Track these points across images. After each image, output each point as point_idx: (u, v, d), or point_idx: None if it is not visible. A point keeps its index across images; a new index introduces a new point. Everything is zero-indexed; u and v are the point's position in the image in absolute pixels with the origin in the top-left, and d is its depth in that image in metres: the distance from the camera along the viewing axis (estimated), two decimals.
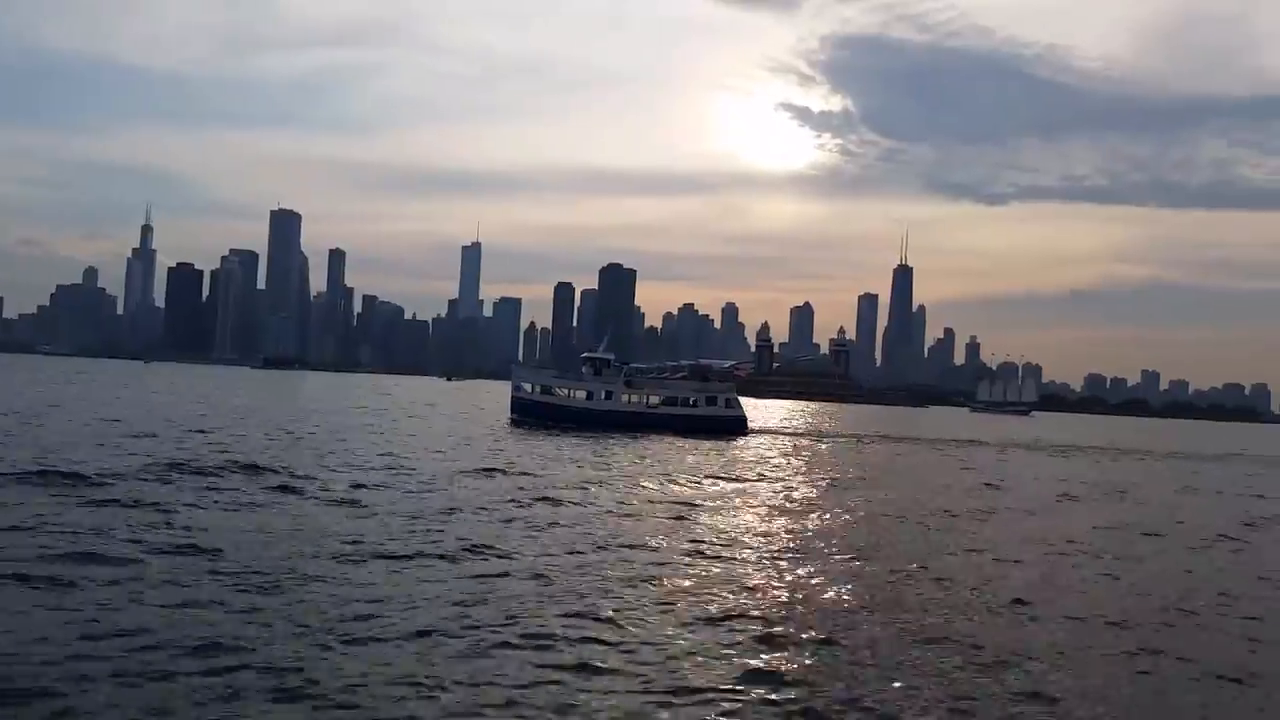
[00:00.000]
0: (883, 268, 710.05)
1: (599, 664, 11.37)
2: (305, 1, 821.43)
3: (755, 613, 14.45)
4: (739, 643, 12.72)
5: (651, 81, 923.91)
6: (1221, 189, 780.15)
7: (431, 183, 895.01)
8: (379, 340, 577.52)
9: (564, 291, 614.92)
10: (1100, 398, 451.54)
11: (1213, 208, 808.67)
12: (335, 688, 10.01)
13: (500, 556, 17.63)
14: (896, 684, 11.28)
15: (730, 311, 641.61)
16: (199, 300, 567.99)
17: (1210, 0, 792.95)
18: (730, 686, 10.89)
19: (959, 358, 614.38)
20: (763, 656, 12.18)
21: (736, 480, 36.38)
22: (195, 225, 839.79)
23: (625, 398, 70.96)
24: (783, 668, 11.76)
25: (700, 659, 11.84)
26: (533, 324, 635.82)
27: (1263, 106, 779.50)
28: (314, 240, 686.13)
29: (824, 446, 66.91)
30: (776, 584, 16.99)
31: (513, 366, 79.05)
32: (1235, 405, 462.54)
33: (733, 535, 22.40)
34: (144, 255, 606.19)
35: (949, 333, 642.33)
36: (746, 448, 57.38)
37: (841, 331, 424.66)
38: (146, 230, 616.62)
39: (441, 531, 19.98)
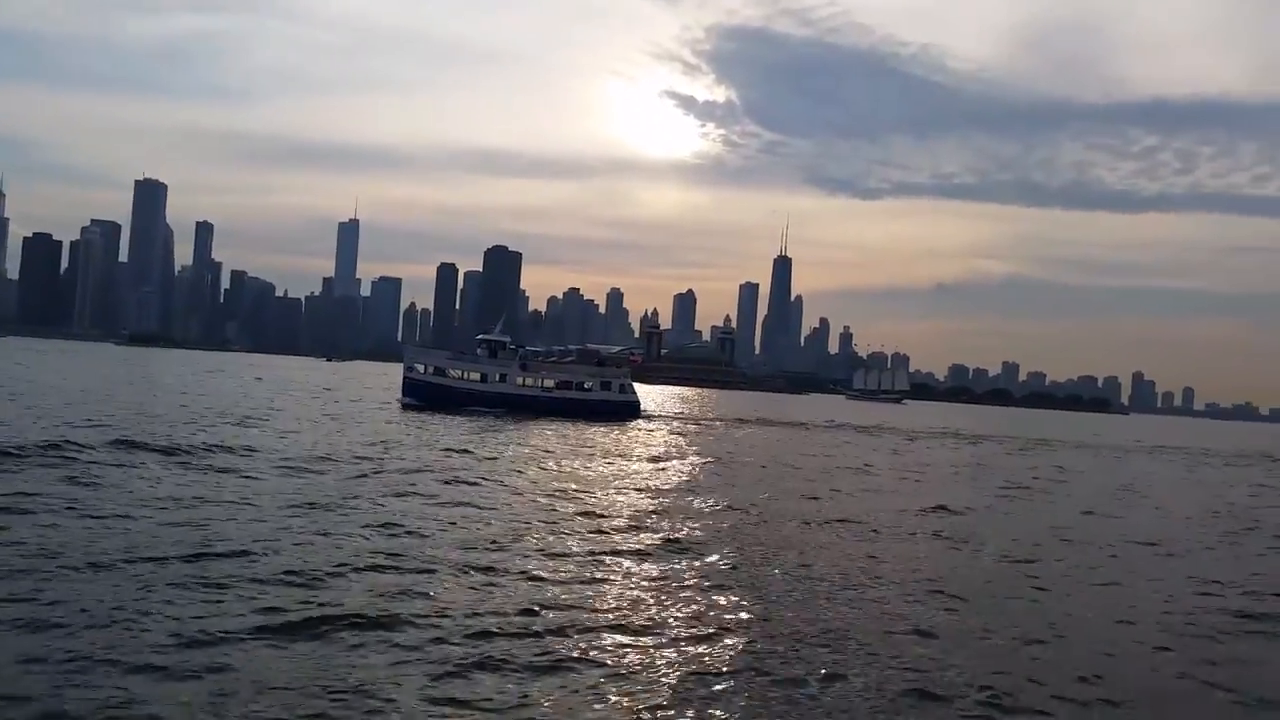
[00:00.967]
0: (763, 258, 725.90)
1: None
2: None
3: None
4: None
5: (536, 62, 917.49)
6: (1079, 190, 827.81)
7: (306, 156, 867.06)
8: (248, 318, 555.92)
9: (447, 272, 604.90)
10: (966, 387, 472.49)
11: (1071, 208, 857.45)
12: None
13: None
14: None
15: (615, 297, 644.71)
16: (56, 272, 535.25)
17: (1074, 10, 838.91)
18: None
19: (833, 347, 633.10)
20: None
21: (626, 462, 36.84)
22: (53, 193, 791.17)
23: (520, 381, 70.39)
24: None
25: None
26: (413, 305, 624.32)
27: (1119, 112, 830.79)
28: (180, 212, 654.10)
29: (716, 431, 67.85)
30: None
31: (405, 348, 77.28)
32: (1090, 396, 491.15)
33: (612, 514, 22.61)
34: None
35: (824, 322, 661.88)
36: (639, 432, 57.83)
37: (728, 320, 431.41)
38: None
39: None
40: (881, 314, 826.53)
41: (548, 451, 38.68)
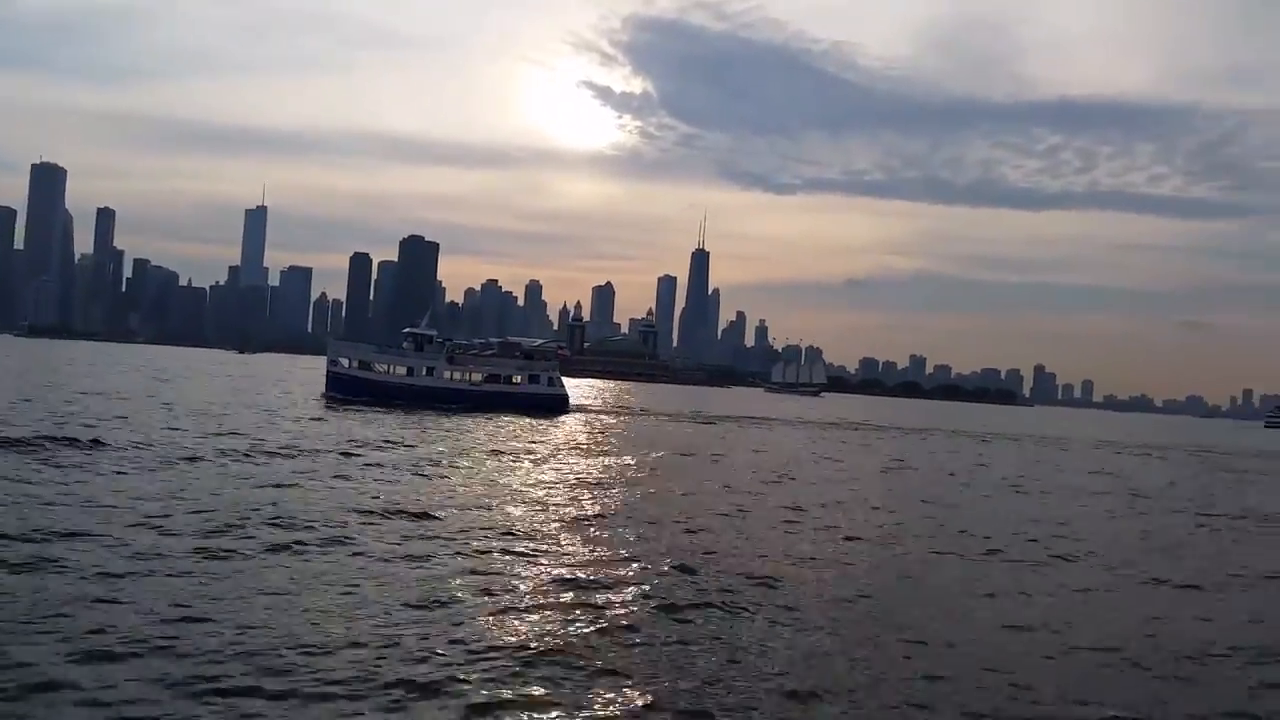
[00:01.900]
0: (681, 250, 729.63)
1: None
2: None
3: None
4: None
5: (451, 48, 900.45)
6: (985, 188, 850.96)
7: (212, 140, 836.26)
8: (152, 308, 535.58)
9: (360, 262, 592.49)
10: (878, 380, 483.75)
11: (977, 205, 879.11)
12: None
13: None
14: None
15: (534, 289, 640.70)
16: None
17: (982, 9, 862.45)
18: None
19: (750, 339, 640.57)
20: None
21: (554, 454, 37.01)
22: None
23: (448, 374, 69.64)
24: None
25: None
26: (323, 295, 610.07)
27: (1024, 112, 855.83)
28: (80, 198, 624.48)
29: (644, 423, 68.15)
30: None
31: (328, 340, 75.43)
32: (997, 388, 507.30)
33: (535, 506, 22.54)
34: None
35: (741, 315, 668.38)
36: (568, 425, 57.86)
37: (650, 313, 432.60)
38: None
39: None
40: (796, 307, 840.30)
41: (472, 445, 38.39)
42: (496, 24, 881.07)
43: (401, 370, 69.09)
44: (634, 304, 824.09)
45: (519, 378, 72.07)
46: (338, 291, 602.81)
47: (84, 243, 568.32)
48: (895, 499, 30.65)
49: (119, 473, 23.10)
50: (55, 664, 9.67)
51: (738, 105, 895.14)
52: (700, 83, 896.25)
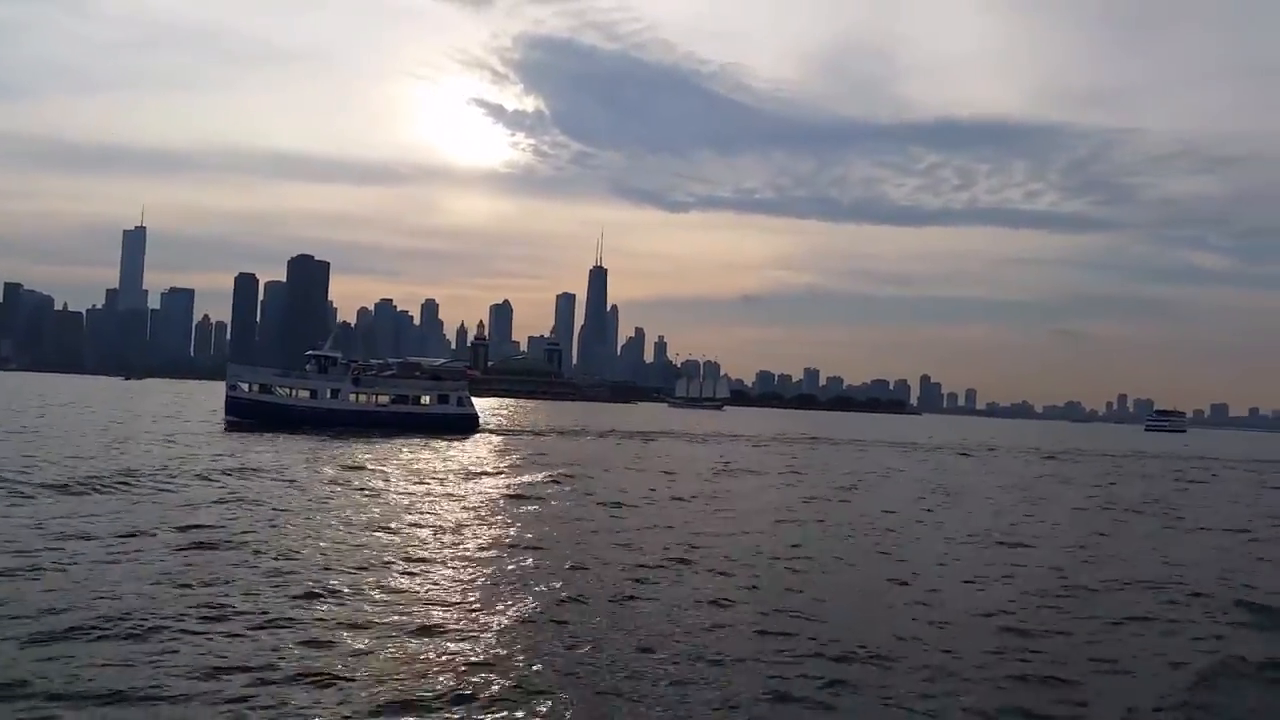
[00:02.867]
0: (579, 268, 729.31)
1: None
2: None
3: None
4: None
5: (338, 65, 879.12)
6: (869, 205, 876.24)
7: (86, 159, 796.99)
8: (24, 334, 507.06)
9: (245, 283, 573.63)
10: (776, 393, 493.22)
11: (862, 222, 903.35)
12: None
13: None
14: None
15: (430, 308, 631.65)
16: None
17: (864, 34, 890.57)
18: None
19: (649, 355, 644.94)
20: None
21: (467, 477, 36.33)
22: None
23: (354, 397, 68.06)
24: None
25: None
26: (206, 318, 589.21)
27: (904, 132, 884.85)
28: None
29: (560, 442, 67.51)
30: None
31: (229, 365, 72.62)
32: (887, 399, 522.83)
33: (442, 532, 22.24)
34: None
35: (639, 332, 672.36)
36: (477, 445, 56.82)
37: (554, 331, 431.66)
38: None
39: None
40: (692, 323, 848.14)
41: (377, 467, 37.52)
42: (383, 40, 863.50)
43: (305, 393, 67.12)
44: (533, 322, 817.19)
45: (427, 399, 70.81)
46: (222, 313, 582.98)
47: None
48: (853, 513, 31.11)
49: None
50: None
51: (630, 124, 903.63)
52: (593, 102, 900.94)
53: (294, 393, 67.10)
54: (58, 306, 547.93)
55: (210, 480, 29.68)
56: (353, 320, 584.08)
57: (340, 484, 30.89)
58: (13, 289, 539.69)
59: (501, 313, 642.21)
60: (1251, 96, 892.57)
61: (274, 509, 24.06)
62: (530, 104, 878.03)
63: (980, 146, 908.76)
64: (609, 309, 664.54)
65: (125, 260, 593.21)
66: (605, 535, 22.93)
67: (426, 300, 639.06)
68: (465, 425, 70.67)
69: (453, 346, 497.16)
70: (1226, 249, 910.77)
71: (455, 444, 56.10)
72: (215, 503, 24.66)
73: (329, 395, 67.09)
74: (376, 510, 25.13)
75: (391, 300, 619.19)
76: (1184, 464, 79.20)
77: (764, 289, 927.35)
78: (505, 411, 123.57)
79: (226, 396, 66.63)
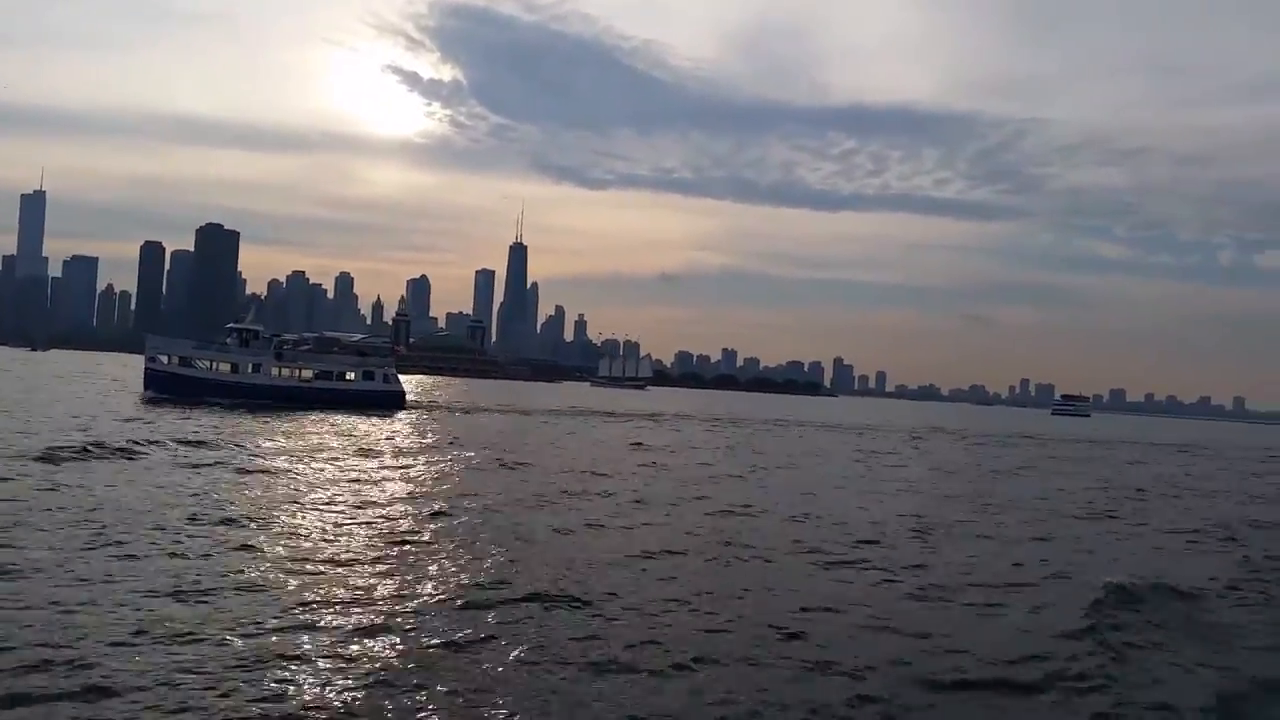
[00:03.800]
0: (498, 243, 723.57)
1: None
2: None
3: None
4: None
5: (246, 26, 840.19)
6: (786, 188, 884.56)
7: None
8: None
9: (152, 252, 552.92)
10: (697, 373, 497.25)
11: (778, 205, 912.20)
12: None
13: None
14: None
15: (344, 281, 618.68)
16: None
17: (782, 16, 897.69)
18: None
19: (569, 334, 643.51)
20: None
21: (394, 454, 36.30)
22: None
23: (276, 371, 67.27)
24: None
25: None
26: (110, 286, 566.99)
27: (821, 116, 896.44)
28: None
29: (489, 420, 67.90)
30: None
31: (147, 336, 70.79)
32: (804, 380, 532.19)
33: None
34: None
35: (560, 310, 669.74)
36: (402, 422, 56.79)
37: (476, 309, 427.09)
38: None
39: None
40: (611, 301, 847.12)
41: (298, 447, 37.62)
42: (293, 3, 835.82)
43: (225, 367, 66.14)
44: (451, 297, 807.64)
45: (353, 374, 70.37)
46: (127, 283, 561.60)
47: None
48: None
49: None
50: None
51: (549, 98, 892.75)
52: (511, 73, 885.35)
53: (215, 366, 66.05)
54: None
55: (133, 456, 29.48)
56: (263, 292, 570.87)
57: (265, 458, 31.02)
58: None
59: (419, 288, 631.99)
60: (1156, 92, 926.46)
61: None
62: (447, 73, 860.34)
63: (893, 133, 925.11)
64: (529, 286, 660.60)
65: (23, 225, 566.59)
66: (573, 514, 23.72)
67: (341, 273, 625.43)
68: (391, 402, 70.52)
69: (368, 322, 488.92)
70: (1129, 240, 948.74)
71: (384, 421, 56.07)
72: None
73: (251, 369, 66.23)
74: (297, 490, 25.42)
75: (304, 272, 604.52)
76: (1141, 450, 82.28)
77: (682, 269, 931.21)
78: (429, 389, 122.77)
79: (146, 369, 65.21)
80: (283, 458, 31.50)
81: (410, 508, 22.25)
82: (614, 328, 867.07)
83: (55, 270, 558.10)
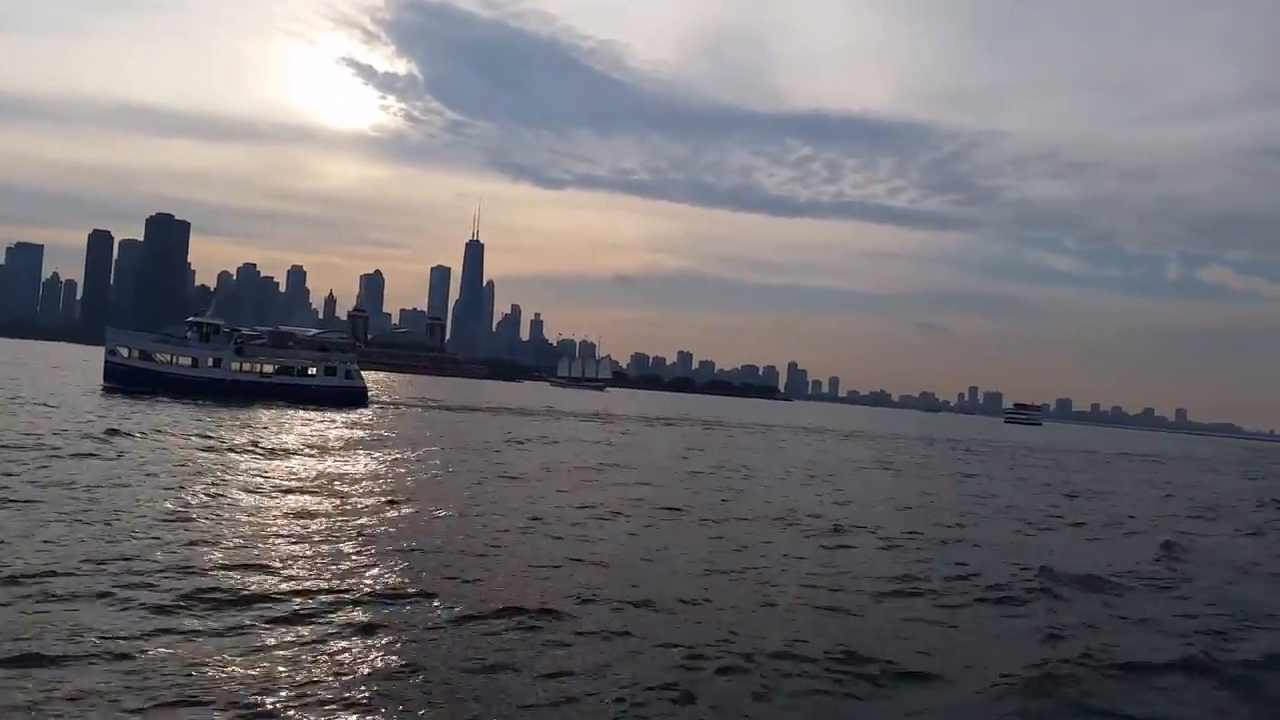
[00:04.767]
0: (454, 240, 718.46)
1: None
2: None
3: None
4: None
5: (198, 14, 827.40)
6: (744, 193, 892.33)
7: None
8: None
9: (100, 241, 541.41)
10: (655, 375, 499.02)
11: (736, 209, 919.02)
12: None
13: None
14: None
15: (296, 275, 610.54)
16: None
17: (741, 21, 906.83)
18: None
19: (525, 333, 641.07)
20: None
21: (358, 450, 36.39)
22: None
23: (237, 366, 66.62)
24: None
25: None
26: (55, 275, 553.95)
27: (779, 122, 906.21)
28: None
29: (450, 417, 67.79)
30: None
31: (107, 329, 69.66)
32: (759, 384, 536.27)
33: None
34: None
35: (515, 308, 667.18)
36: (363, 418, 56.71)
37: (433, 306, 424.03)
38: None
39: None
40: (567, 301, 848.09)
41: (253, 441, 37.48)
42: None
43: (186, 361, 65.34)
44: (406, 294, 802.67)
45: (315, 370, 69.90)
46: (73, 272, 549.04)
47: None
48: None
49: None
50: None
51: (506, 96, 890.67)
52: (468, 70, 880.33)
53: (174, 360, 65.23)
54: None
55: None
56: (213, 284, 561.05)
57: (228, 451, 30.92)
58: None
59: (373, 283, 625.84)
60: (1107, 107, 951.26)
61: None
62: (402, 66, 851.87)
63: (849, 141, 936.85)
64: (485, 284, 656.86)
65: None
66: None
67: (293, 267, 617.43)
68: (353, 398, 70.18)
69: (320, 316, 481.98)
70: (1078, 252, 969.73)
71: (348, 417, 55.75)
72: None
73: (211, 364, 65.48)
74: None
75: (255, 265, 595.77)
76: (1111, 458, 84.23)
77: (639, 270, 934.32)
78: (389, 386, 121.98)
79: (105, 361, 64.32)
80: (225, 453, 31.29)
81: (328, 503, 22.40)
82: (570, 328, 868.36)
83: None
